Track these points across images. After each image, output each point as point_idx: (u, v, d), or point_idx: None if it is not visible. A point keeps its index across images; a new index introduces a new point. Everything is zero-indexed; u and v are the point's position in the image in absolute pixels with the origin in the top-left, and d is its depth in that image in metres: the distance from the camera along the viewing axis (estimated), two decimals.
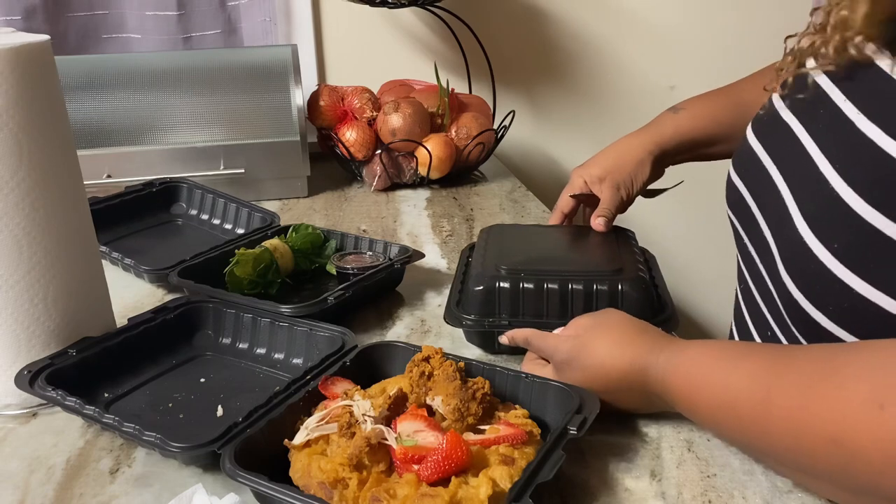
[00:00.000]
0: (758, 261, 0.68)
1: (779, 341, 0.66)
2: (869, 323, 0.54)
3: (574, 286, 0.73)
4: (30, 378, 0.64)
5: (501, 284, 0.74)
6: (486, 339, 0.76)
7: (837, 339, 0.57)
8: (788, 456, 0.50)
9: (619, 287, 0.73)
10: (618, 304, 0.73)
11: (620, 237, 0.87)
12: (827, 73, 0.62)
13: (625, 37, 1.59)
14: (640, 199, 0.97)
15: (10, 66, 0.61)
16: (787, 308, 0.62)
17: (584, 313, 0.71)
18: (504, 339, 0.71)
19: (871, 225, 0.52)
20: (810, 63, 0.65)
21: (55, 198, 0.66)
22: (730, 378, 0.53)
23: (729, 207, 0.74)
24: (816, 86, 0.63)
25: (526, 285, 0.74)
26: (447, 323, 0.77)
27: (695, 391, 0.56)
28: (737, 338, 0.77)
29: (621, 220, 0.91)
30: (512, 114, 1.37)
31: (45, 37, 0.65)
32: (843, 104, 0.58)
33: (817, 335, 0.59)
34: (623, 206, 0.92)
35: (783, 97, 0.67)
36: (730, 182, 0.74)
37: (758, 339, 0.71)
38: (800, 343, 0.62)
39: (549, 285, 0.73)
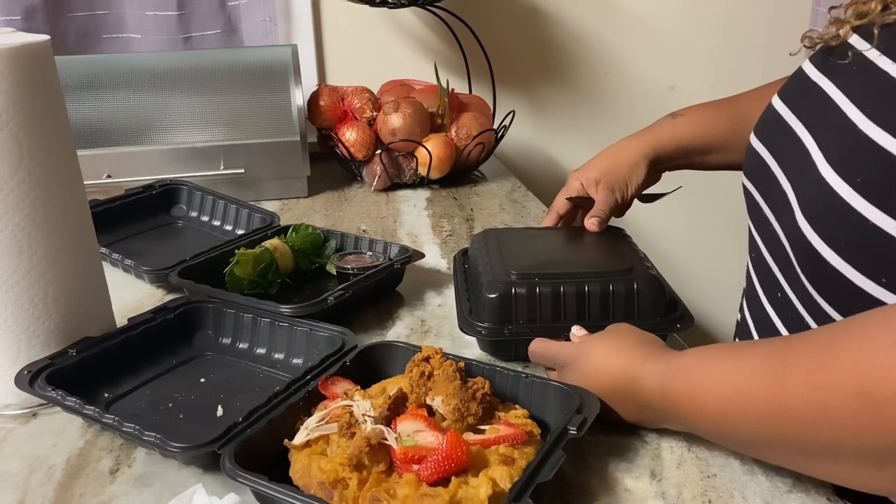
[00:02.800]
0: (772, 219, 0.68)
1: (789, 301, 0.65)
2: (879, 256, 0.53)
3: (590, 287, 0.73)
4: (30, 378, 0.64)
5: (517, 290, 0.73)
6: (501, 347, 0.75)
7: (848, 281, 0.56)
8: (809, 433, 0.47)
9: (635, 286, 0.73)
10: (634, 302, 0.72)
11: (617, 236, 0.87)
12: (857, 31, 0.63)
13: (625, 37, 1.59)
14: (639, 203, 0.97)
15: (10, 66, 0.61)
16: (797, 253, 0.62)
17: (601, 314, 0.72)
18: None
19: None
20: (845, 29, 0.65)
21: (55, 198, 0.66)
22: (739, 364, 0.52)
23: (746, 177, 0.74)
24: (849, 45, 0.63)
25: (542, 289, 0.73)
26: (465, 333, 0.76)
27: (699, 386, 0.55)
28: (745, 307, 0.76)
29: (619, 223, 0.91)
30: (512, 114, 1.37)
31: (45, 37, 0.64)
32: (868, 52, 0.59)
33: (828, 280, 0.58)
34: (618, 208, 0.92)
35: (815, 60, 0.68)
36: (750, 150, 0.74)
37: (766, 304, 0.70)
38: (811, 297, 0.61)
39: (566, 288, 0.73)
